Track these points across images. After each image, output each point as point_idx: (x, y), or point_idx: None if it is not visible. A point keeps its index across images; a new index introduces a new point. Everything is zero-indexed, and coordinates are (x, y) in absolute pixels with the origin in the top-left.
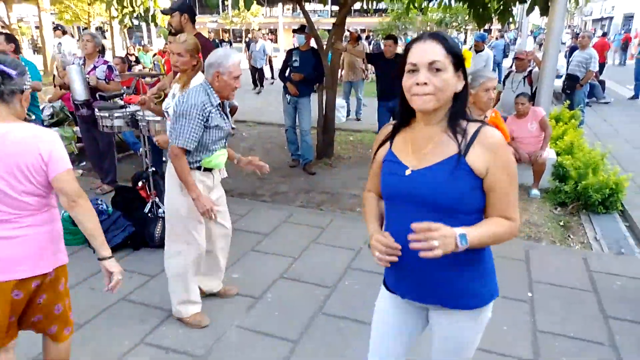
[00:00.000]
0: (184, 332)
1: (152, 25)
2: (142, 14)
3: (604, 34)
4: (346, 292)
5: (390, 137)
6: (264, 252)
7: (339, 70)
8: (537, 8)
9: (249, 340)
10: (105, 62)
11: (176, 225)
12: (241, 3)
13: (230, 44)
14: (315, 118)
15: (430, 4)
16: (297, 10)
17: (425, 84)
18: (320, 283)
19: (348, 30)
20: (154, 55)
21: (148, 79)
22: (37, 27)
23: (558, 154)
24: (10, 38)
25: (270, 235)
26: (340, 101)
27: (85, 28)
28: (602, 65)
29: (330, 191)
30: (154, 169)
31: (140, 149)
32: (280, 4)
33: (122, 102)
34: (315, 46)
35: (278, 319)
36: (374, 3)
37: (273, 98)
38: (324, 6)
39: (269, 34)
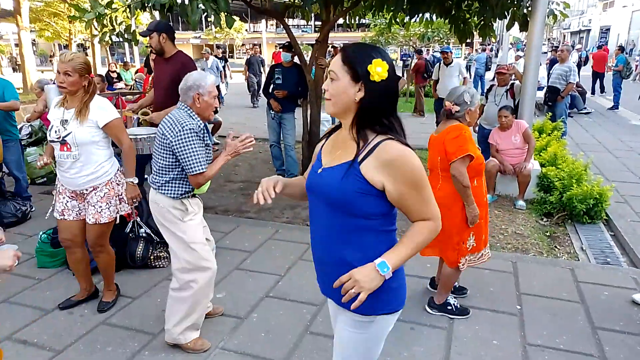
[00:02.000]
0: (166, 356)
1: (133, 43)
2: (123, 32)
3: (601, 46)
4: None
5: (327, 137)
6: (249, 271)
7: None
8: (516, 23)
9: None
10: None
11: (186, 255)
12: (223, 21)
13: (226, 60)
14: (300, 133)
15: (412, 20)
16: (280, 26)
17: (327, 90)
18: (307, 301)
19: (332, 46)
20: (136, 72)
21: (129, 96)
22: (16, 45)
23: (542, 165)
24: None
25: (256, 252)
26: (325, 115)
27: (66, 46)
28: (601, 76)
29: None
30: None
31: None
32: (263, 20)
33: None
34: (299, 62)
35: (264, 340)
36: (357, 18)
37: (257, 113)
38: (307, 22)
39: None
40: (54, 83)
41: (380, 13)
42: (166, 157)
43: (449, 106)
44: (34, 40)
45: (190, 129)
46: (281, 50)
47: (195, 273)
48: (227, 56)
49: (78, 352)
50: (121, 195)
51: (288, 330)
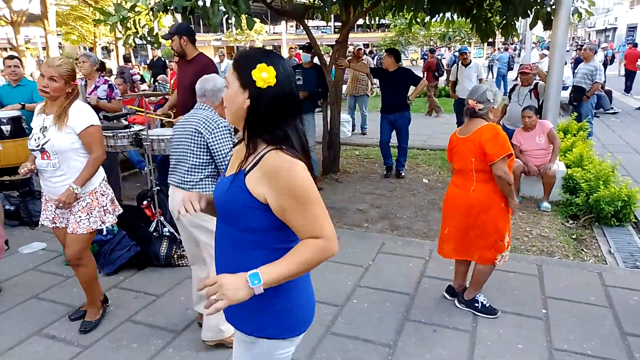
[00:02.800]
0: (189, 354)
1: (155, 45)
2: (146, 35)
3: (635, 44)
4: (355, 311)
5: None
6: None
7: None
8: (540, 22)
9: None
10: (106, 81)
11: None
12: (243, 23)
13: None
14: (320, 133)
15: (433, 19)
16: (300, 27)
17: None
18: (328, 302)
19: (352, 46)
20: (132, 75)
21: (152, 98)
22: (43, 49)
23: (568, 166)
24: (20, 60)
25: None
26: (345, 116)
27: (91, 49)
28: (633, 74)
29: (337, 206)
30: (159, 187)
31: (145, 168)
32: (283, 22)
33: (126, 122)
34: (318, 63)
35: None
36: (377, 19)
37: None
38: (327, 23)
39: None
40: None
41: (400, 13)
42: (199, 155)
43: (472, 104)
44: (60, 43)
45: (225, 127)
46: (300, 51)
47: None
48: None
49: (105, 348)
50: (106, 206)
51: (308, 330)
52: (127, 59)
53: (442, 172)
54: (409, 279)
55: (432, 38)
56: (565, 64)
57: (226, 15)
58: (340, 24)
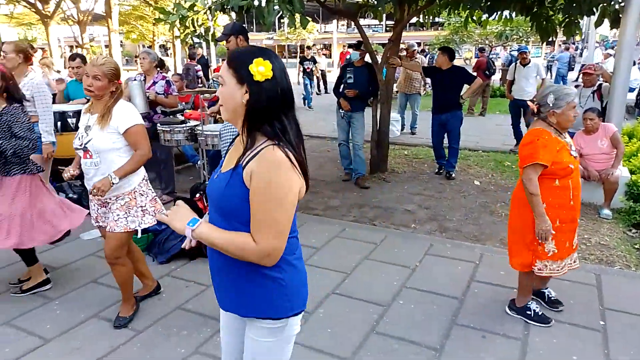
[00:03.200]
0: None
1: (212, 43)
2: (203, 34)
3: None
4: (401, 311)
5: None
6: (315, 266)
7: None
8: (606, 20)
9: (300, 355)
10: (164, 77)
11: None
12: (297, 22)
13: (314, 62)
14: (369, 132)
15: (490, 17)
16: (351, 26)
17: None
18: (373, 301)
19: (404, 44)
20: (197, 72)
21: (207, 95)
22: (106, 46)
23: (632, 172)
24: (83, 58)
25: (322, 249)
26: (394, 115)
27: (150, 47)
28: None
29: (384, 206)
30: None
31: (199, 162)
32: (334, 21)
33: (182, 118)
34: (370, 61)
35: (329, 336)
36: (431, 17)
37: (324, 112)
38: (380, 22)
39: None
40: (135, 80)
41: (455, 11)
42: None
43: (532, 106)
44: (121, 41)
45: None
46: (350, 50)
47: None
48: (314, 57)
49: (157, 333)
50: (145, 207)
51: (354, 329)
52: (192, 57)
53: (494, 175)
54: (458, 283)
55: (487, 37)
56: (634, 64)
57: (280, 14)
58: (392, 22)
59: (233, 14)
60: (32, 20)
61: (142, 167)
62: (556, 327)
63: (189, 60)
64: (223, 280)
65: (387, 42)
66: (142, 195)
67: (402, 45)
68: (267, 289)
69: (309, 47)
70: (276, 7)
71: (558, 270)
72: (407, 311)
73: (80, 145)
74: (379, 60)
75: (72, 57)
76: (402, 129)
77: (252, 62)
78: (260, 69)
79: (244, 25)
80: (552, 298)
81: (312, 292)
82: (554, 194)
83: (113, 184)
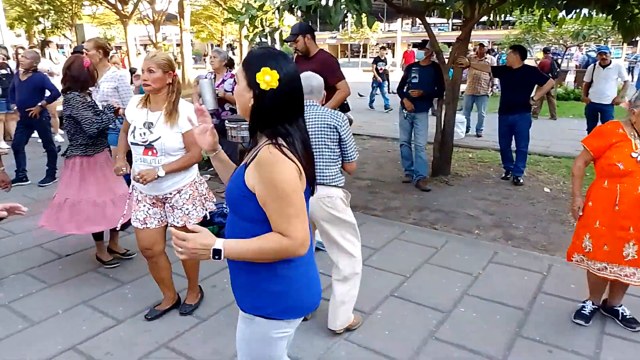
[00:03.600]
0: (294, 339)
1: (277, 42)
2: (271, 33)
3: None
4: (462, 319)
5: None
6: (374, 267)
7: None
8: None
9: (357, 356)
10: (232, 75)
11: (356, 240)
12: (364, 21)
13: (385, 62)
14: (432, 133)
15: (568, 16)
16: (416, 24)
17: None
18: (433, 306)
19: (480, 45)
20: None
21: None
22: (177, 45)
23: None
24: None
25: (381, 250)
26: (459, 116)
27: (218, 45)
28: None
29: (445, 210)
30: None
31: None
32: (399, 19)
33: None
34: (436, 61)
35: (387, 338)
36: (502, 15)
37: (384, 111)
38: (447, 20)
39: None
40: (206, 77)
41: (529, 9)
42: (334, 150)
43: (624, 104)
44: (191, 40)
45: (346, 118)
46: (414, 49)
47: (359, 258)
48: (385, 57)
49: (219, 322)
50: (204, 194)
51: (412, 332)
52: None
53: (566, 182)
54: (524, 293)
55: (562, 36)
56: None
57: (346, 14)
58: (459, 20)
59: (299, 13)
60: (111, 20)
61: None
62: (631, 345)
63: None
64: (230, 273)
65: (454, 41)
66: (201, 184)
67: (469, 45)
68: (256, 285)
69: (383, 47)
70: (343, 7)
71: (597, 271)
72: (468, 319)
73: (143, 142)
74: (447, 59)
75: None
76: (467, 131)
77: (260, 71)
78: (266, 78)
79: (309, 24)
80: (628, 317)
81: (370, 293)
82: (599, 195)
83: (158, 176)
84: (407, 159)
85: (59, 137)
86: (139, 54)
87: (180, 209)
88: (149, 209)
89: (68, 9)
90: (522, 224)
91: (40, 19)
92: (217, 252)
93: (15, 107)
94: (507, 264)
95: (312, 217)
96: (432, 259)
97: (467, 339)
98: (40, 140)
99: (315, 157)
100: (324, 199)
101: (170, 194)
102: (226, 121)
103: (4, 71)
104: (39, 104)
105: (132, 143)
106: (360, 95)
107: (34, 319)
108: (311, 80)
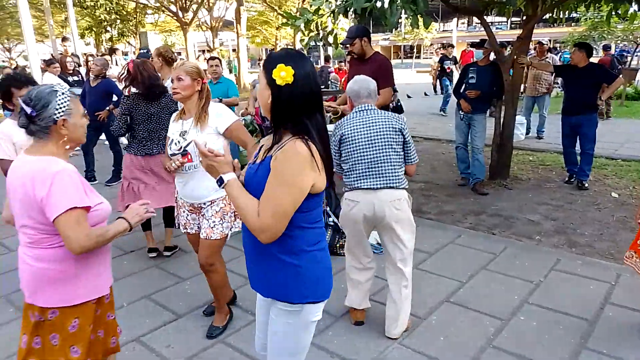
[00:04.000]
0: (348, 340)
1: (333, 46)
2: (326, 36)
3: None
4: (521, 328)
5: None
6: (428, 272)
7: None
8: None
9: None
10: None
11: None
12: (420, 22)
13: (455, 62)
14: (490, 135)
15: None
16: (472, 24)
17: None
18: (491, 313)
19: (539, 43)
20: (330, 73)
21: (324, 96)
22: (233, 50)
23: None
24: (220, 60)
25: (436, 255)
26: (519, 118)
27: (273, 49)
28: None
29: (504, 214)
30: None
31: None
32: (454, 19)
33: None
34: (496, 60)
35: (443, 344)
36: (566, 12)
37: (438, 113)
38: (507, 19)
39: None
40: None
41: (596, 5)
42: (399, 152)
43: None
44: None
45: (406, 120)
46: (472, 49)
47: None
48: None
49: None
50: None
51: (469, 339)
52: (327, 59)
53: (637, 187)
54: (589, 304)
55: (633, 32)
56: None
57: (403, 15)
58: (518, 19)
59: (353, 16)
60: (172, 27)
61: None
62: None
63: (324, 62)
64: (252, 262)
65: (512, 40)
66: None
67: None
68: (284, 274)
69: (451, 46)
70: (399, 8)
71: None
72: (528, 328)
73: (179, 150)
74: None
75: (212, 58)
76: (528, 132)
77: (276, 67)
78: (282, 74)
79: (367, 27)
80: None
81: (425, 298)
82: None
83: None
84: (463, 161)
85: (124, 139)
86: (198, 57)
87: (207, 220)
88: (188, 214)
89: (133, 18)
90: (587, 231)
91: (108, 28)
92: (221, 180)
93: (85, 112)
94: (570, 272)
95: (381, 221)
96: (489, 265)
97: (528, 349)
98: (107, 142)
99: (381, 160)
100: (394, 201)
101: (204, 204)
102: None
103: (75, 77)
104: (107, 108)
105: (171, 155)
106: (426, 95)
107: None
108: (369, 83)
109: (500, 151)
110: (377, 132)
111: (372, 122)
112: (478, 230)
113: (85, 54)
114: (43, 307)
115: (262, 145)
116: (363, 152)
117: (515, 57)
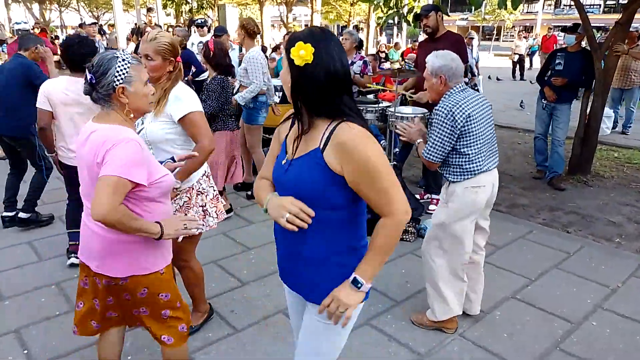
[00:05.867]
0: (407, 325)
1: (412, 24)
2: (405, 14)
3: None
4: (593, 333)
5: (292, 122)
6: (494, 266)
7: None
8: None
9: (472, 354)
10: (362, 57)
11: (438, 233)
12: (509, 3)
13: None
14: (572, 127)
15: None
16: (560, 5)
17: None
18: (560, 315)
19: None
20: (402, 53)
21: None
22: (306, 26)
23: None
24: None
25: (504, 248)
26: (607, 110)
27: (345, 26)
28: None
29: (582, 213)
30: (394, 163)
31: (382, 142)
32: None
33: (375, 98)
34: (587, 47)
35: (506, 341)
36: None
37: (517, 100)
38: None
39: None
40: None
41: None
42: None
43: None
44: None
45: None
46: (555, 34)
47: (438, 250)
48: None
49: None
50: (205, 206)
51: (535, 340)
52: (360, 46)
53: None
54: None
55: None
56: None
57: None
58: (613, 2)
59: None
60: (248, 0)
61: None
62: None
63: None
64: (291, 264)
65: (605, 25)
66: (201, 193)
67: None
68: (332, 275)
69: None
70: None
71: None
72: (601, 335)
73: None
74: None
75: (289, 34)
76: (614, 127)
77: (294, 45)
78: (301, 53)
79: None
80: None
81: (490, 292)
82: None
83: (175, 188)
84: (541, 153)
85: None
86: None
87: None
88: None
89: None
90: None
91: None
92: (356, 282)
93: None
94: None
95: (490, 203)
96: (562, 265)
97: (599, 356)
98: None
99: (494, 138)
100: (495, 181)
101: None
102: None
103: None
104: (186, 78)
105: None
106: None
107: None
108: (458, 62)
109: (583, 145)
110: (487, 110)
111: (480, 100)
112: (552, 227)
113: (166, 24)
114: (112, 277)
115: (286, 135)
116: (487, 132)
117: (611, 44)
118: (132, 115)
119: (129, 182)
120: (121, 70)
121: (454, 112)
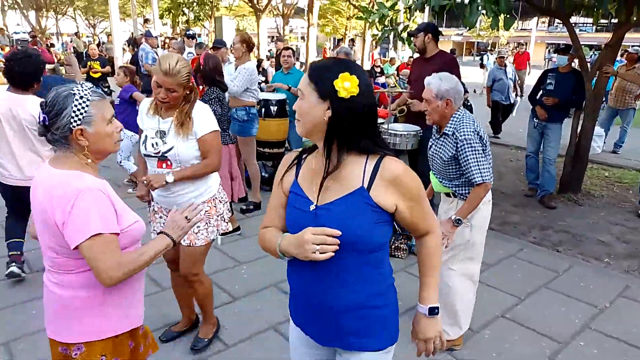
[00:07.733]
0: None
1: (406, 42)
2: (400, 32)
3: None
4: (580, 353)
5: (297, 164)
6: (485, 284)
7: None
8: None
9: None
10: None
11: (457, 254)
12: (501, 23)
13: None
14: (563, 146)
15: None
16: (553, 24)
17: (295, 111)
18: (548, 334)
19: (627, 51)
20: (397, 68)
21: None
22: (302, 38)
23: None
24: (294, 51)
25: (494, 267)
26: (598, 129)
27: (341, 39)
28: None
29: (572, 232)
30: None
31: None
32: (535, 18)
33: None
34: (577, 68)
35: None
36: None
37: (510, 118)
38: (595, 23)
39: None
40: None
41: None
42: None
43: None
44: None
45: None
46: (528, 52)
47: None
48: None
49: None
50: (222, 214)
51: (523, 358)
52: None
53: None
54: None
55: None
56: None
57: (482, 15)
58: (605, 21)
59: (427, 12)
60: (245, 12)
61: (216, 173)
62: None
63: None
64: (318, 317)
65: (597, 44)
66: (221, 202)
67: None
68: (371, 320)
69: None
70: (480, 7)
71: None
72: (588, 355)
73: (156, 153)
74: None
75: (286, 48)
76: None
77: (338, 77)
78: (346, 85)
79: (435, 25)
80: None
81: (478, 311)
82: None
83: (167, 182)
84: (532, 171)
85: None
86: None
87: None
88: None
89: (209, 2)
90: None
91: (185, 10)
92: (431, 311)
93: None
94: None
95: None
96: (551, 284)
97: None
98: None
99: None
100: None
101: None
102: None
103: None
104: None
105: (144, 155)
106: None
107: (164, 285)
108: (460, 85)
109: (574, 163)
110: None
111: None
112: (542, 246)
113: (162, 34)
114: (67, 343)
115: (291, 166)
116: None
117: (600, 65)
118: (89, 160)
119: (112, 234)
120: (79, 109)
121: (478, 131)
